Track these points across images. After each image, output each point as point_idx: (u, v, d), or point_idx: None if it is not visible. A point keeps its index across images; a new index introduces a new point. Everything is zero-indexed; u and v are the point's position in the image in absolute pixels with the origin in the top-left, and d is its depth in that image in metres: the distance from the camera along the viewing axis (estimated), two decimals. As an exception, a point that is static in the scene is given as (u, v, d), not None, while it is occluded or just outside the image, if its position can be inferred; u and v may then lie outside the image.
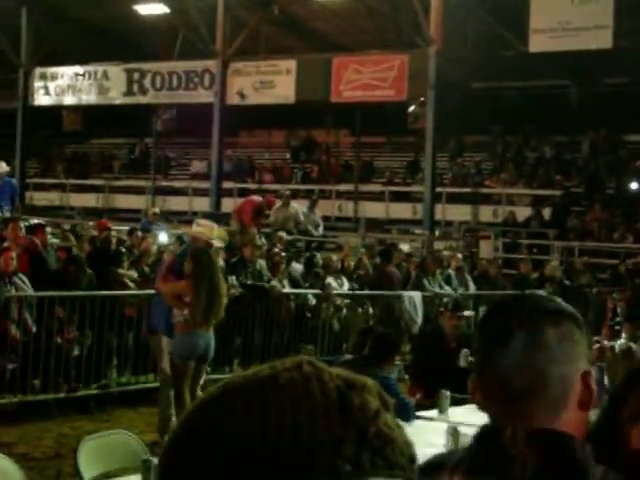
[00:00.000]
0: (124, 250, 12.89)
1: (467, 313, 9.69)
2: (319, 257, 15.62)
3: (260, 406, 1.14)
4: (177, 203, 30.90)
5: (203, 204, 28.03)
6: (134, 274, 12.38)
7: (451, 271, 16.95)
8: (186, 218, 28.36)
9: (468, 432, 6.34)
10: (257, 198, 18.93)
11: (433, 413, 7.06)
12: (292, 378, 1.16)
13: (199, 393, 9.42)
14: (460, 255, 18.87)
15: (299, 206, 21.17)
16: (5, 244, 11.65)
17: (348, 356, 8.36)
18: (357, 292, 14.72)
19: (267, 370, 1.18)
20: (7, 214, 15.56)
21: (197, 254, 9.53)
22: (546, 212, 25.58)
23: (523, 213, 25.97)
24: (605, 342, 9.46)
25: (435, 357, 8.87)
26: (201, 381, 9.48)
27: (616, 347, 9.33)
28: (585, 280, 19.65)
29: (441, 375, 8.57)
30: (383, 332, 8.45)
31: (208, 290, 9.22)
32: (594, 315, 17.14)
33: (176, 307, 9.42)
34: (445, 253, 19.14)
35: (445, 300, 8.72)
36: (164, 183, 33.01)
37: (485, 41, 23.77)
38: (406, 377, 9.15)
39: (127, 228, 16.81)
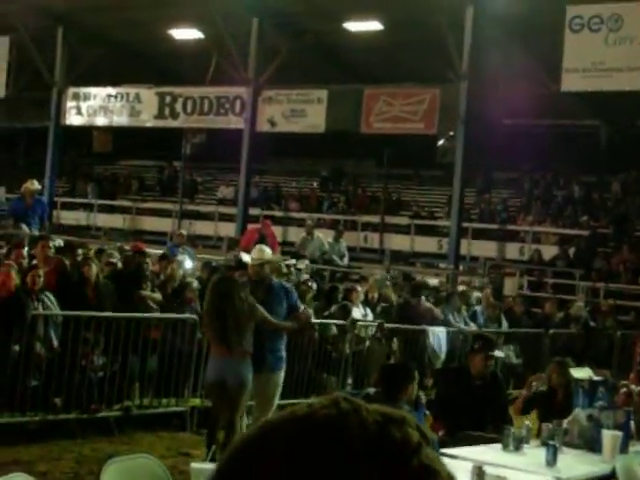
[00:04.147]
0: (146, 271, 12.84)
1: (497, 353, 9.62)
2: (341, 289, 15.59)
3: (297, 446, 1.13)
4: (203, 227, 30.98)
5: (229, 229, 28.08)
6: (158, 296, 12.39)
7: (477, 308, 16.88)
8: (212, 243, 28.51)
9: (493, 472, 6.30)
10: (256, 226, 19.11)
11: (456, 451, 7.00)
12: (329, 415, 1.15)
13: (241, 421, 9.41)
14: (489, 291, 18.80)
15: (324, 236, 21.18)
16: (34, 262, 11.71)
17: (370, 390, 8.32)
18: (378, 321, 14.63)
19: (304, 408, 1.18)
20: (36, 232, 15.64)
21: (211, 283, 9.83)
22: (572, 252, 25.47)
23: (549, 252, 25.88)
24: (632, 386, 9.38)
25: (459, 394, 8.80)
26: (240, 409, 9.39)
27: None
28: (610, 322, 19.52)
29: (464, 412, 8.51)
30: (392, 364, 8.42)
31: (214, 318, 9.33)
32: (618, 358, 17.03)
33: None
34: (473, 292, 19.03)
35: (479, 342, 8.73)
36: (191, 207, 33.12)
37: (517, 78, 23.76)
38: (426, 412, 9.07)
39: (154, 251, 16.87)
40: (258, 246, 10.99)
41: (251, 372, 9.39)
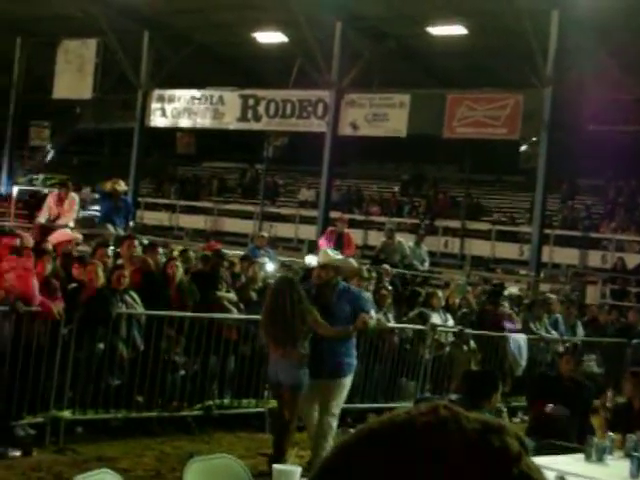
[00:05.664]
0: (223, 273, 12.88)
1: (587, 358, 9.64)
2: (423, 293, 15.50)
3: (396, 452, 1.14)
4: (284, 230, 31.14)
5: (309, 232, 28.17)
6: (233, 297, 12.45)
7: (558, 315, 16.68)
8: (292, 245, 28.61)
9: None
10: (332, 228, 19.16)
11: (539, 460, 6.92)
12: (428, 422, 1.15)
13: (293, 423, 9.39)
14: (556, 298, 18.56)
15: (405, 240, 21.12)
16: (119, 261, 11.88)
17: (453, 396, 8.27)
18: (458, 327, 14.51)
19: (403, 415, 1.18)
20: (121, 232, 15.87)
21: (272, 284, 9.94)
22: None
23: (633, 260, 25.46)
24: None
25: (549, 395, 8.81)
26: (293, 411, 9.31)
27: None
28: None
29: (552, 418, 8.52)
30: (477, 371, 8.35)
31: (267, 318, 9.32)
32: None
33: None
34: (551, 296, 18.82)
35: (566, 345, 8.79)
36: (272, 209, 33.32)
37: (602, 83, 23.45)
38: (504, 409, 8.95)
39: (236, 252, 17.00)
40: (322, 249, 10.95)
41: (305, 375, 9.22)
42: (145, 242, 13.74)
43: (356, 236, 23.88)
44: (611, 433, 7.99)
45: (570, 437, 8.53)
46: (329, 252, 10.52)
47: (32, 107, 33.59)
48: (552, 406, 9.04)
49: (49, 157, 36.13)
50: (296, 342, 9.14)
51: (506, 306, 15.96)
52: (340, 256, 10.66)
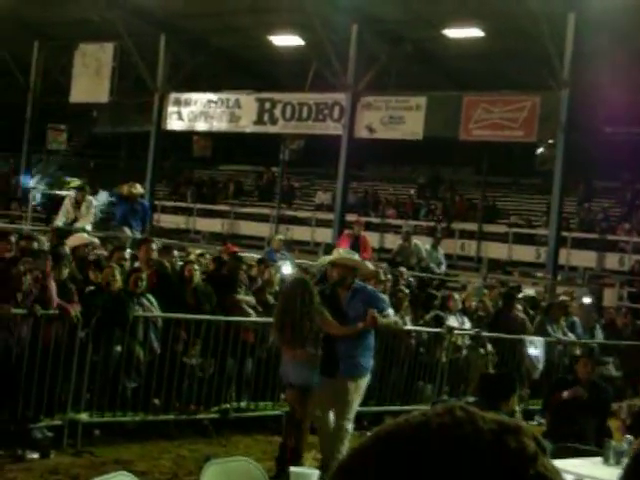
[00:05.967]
0: (240, 275, 12.89)
1: (605, 360, 9.64)
2: (440, 296, 15.50)
3: (412, 454, 1.14)
4: (300, 233, 31.13)
5: (326, 235, 28.16)
6: (252, 299, 12.48)
7: (576, 318, 16.63)
8: (308, 248, 28.60)
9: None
10: (349, 231, 19.15)
11: (557, 463, 6.89)
12: (444, 423, 1.15)
13: (306, 425, 9.35)
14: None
15: (422, 243, 21.10)
16: (136, 264, 11.91)
17: (470, 399, 8.26)
18: (475, 330, 14.47)
19: (419, 416, 1.19)
20: (137, 235, 15.91)
21: (284, 285, 9.78)
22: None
23: (651, 263, 25.39)
24: None
25: (567, 403, 8.80)
26: (303, 412, 9.26)
27: None
28: None
29: (569, 415, 8.49)
30: (495, 374, 8.31)
31: (278, 319, 9.29)
32: None
33: None
34: (563, 298, 18.76)
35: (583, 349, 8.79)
36: (288, 212, 33.32)
37: (620, 85, 23.38)
38: (517, 409, 8.91)
39: (249, 255, 17.02)
40: (335, 249, 10.94)
41: (316, 376, 9.14)
42: (159, 245, 13.77)
43: (372, 239, 23.88)
44: (629, 436, 7.96)
45: (588, 440, 8.51)
46: (340, 251, 10.51)
47: (49, 110, 33.72)
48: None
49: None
50: (305, 342, 9.08)
51: (520, 309, 15.94)
52: (356, 256, 10.58)
